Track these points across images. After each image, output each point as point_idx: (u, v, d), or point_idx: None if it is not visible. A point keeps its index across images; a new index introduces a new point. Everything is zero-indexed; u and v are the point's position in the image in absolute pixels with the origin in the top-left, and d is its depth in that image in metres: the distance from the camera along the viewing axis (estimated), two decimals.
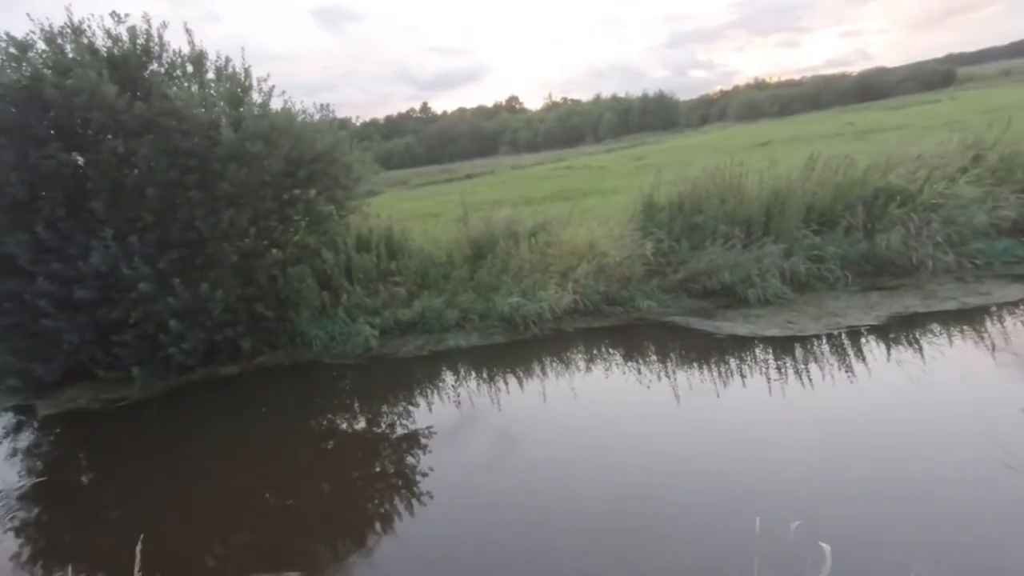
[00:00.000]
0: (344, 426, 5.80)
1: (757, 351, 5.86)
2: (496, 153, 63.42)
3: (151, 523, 4.21)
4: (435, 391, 6.12)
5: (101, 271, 6.10)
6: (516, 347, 6.82)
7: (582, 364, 6.24)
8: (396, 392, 6.24)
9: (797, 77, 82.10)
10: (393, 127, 78.68)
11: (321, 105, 7.81)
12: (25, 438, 6.43)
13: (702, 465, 4.05)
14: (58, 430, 6.46)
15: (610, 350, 6.51)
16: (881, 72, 61.68)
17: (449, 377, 6.41)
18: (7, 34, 6.30)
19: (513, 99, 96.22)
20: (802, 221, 7.48)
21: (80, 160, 6.53)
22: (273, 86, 7.47)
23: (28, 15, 6.38)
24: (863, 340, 5.79)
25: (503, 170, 33.07)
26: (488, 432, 5.13)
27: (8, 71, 6.18)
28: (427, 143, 71.30)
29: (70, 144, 6.34)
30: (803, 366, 5.37)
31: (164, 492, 4.76)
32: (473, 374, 6.40)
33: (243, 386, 6.82)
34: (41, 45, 6.35)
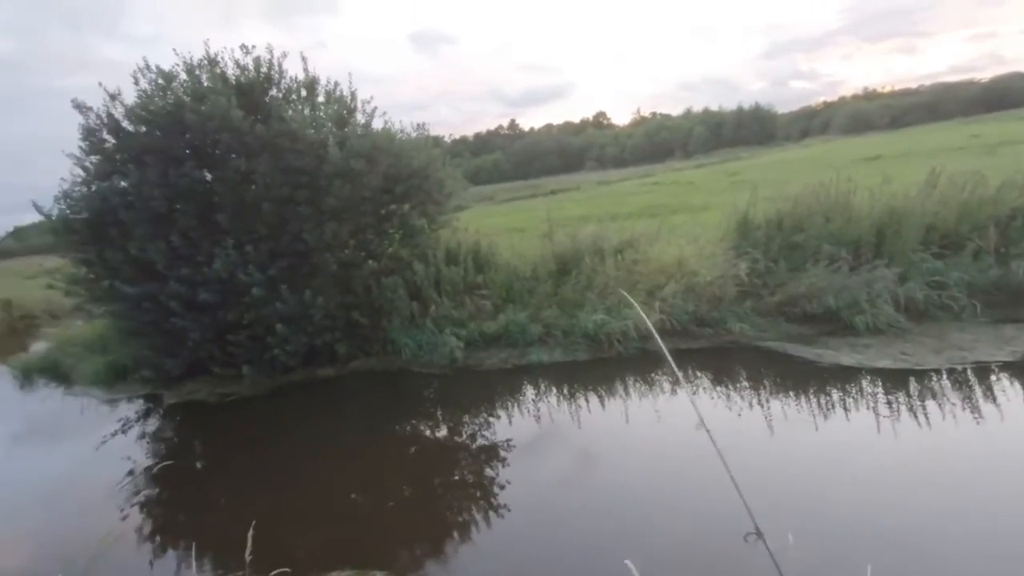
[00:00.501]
0: (427, 433, 6.00)
1: (864, 383, 5.39)
2: (582, 169, 63.40)
3: (256, 509, 4.55)
4: (516, 405, 6.18)
5: (222, 276, 6.76)
6: (599, 365, 6.74)
7: (667, 385, 6.05)
8: (478, 403, 6.36)
9: (913, 85, 75.35)
10: (482, 144, 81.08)
11: (417, 124, 8.23)
12: (152, 423, 7.21)
13: (797, 503, 3.77)
14: (179, 418, 7.18)
15: (698, 372, 6.27)
16: (1016, 77, 55.08)
17: (530, 391, 6.44)
18: (157, 67, 7.22)
19: (600, 115, 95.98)
20: (920, 243, 6.84)
21: (209, 177, 7.29)
22: (375, 107, 8.00)
23: (174, 50, 7.28)
24: (994, 378, 5.16)
25: (589, 186, 32.99)
26: (567, 449, 5.10)
27: (156, 99, 7.07)
28: (514, 159, 72.73)
29: (202, 163, 7.11)
30: (919, 403, 4.88)
31: (266, 481, 5.15)
32: (554, 390, 6.40)
33: (338, 388, 7.24)
34: (183, 76, 7.21)
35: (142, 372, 7.89)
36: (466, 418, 6.11)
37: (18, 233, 46.38)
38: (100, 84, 7.10)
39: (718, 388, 5.83)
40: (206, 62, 7.28)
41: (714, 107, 73.87)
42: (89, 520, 4.87)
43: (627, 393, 6.06)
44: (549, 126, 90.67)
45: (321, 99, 7.94)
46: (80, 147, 7.32)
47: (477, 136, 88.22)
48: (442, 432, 5.98)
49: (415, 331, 7.49)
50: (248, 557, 2.25)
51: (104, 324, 8.71)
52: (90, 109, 7.05)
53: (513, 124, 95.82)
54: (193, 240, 6.95)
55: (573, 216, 13.32)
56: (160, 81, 7.27)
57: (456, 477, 4.91)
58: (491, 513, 4.18)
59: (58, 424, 7.70)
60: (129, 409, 7.66)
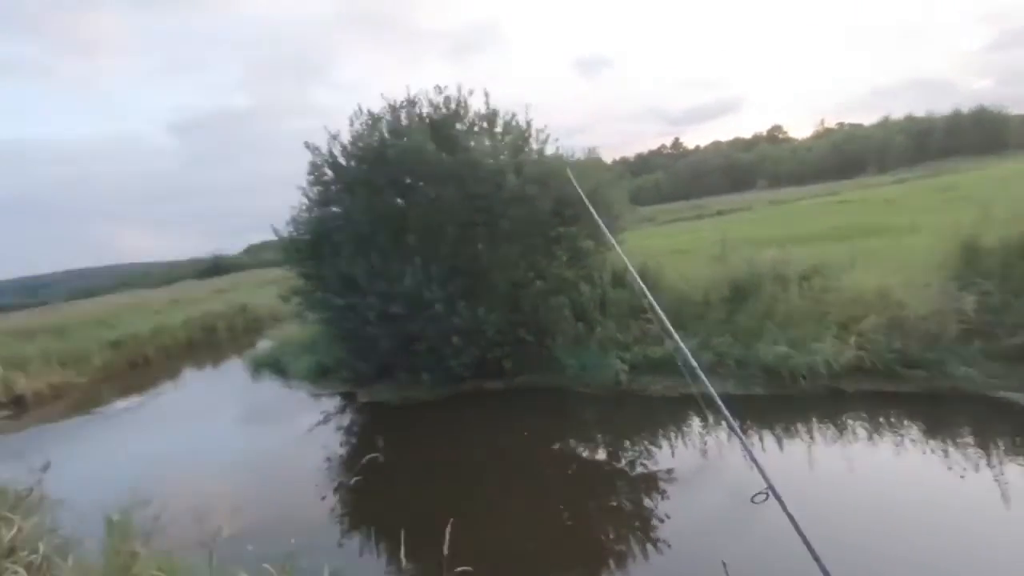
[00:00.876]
0: (586, 454, 6.00)
1: None
2: (753, 187, 58.91)
3: (431, 505, 4.96)
4: (680, 435, 5.92)
5: (410, 292, 7.55)
6: (778, 402, 6.17)
7: (862, 433, 5.32)
8: (640, 429, 6.21)
9: None
10: (643, 164, 79.72)
11: (588, 149, 8.43)
12: (347, 417, 8.25)
13: None
14: (368, 415, 8.13)
15: (904, 422, 5.41)
16: None
17: (696, 423, 6.12)
18: (368, 110, 8.40)
19: (776, 128, 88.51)
20: None
21: (402, 203, 8.24)
22: (548, 135, 8.37)
23: (382, 95, 8.42)
24: None
25: (760, 205, 30.56)
26: (735, 490, 4.71)
27: (365, 138, 8.22)
28: (676, 179, 70.30)
29: (397, 191, 8.06)
30: None
31: (438, 479, 5.58)
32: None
33: (504, 401, 7.61)
34: (388, 116, 8.29)
35: (342, 372, 9.10)
36: (627, 443, 6.00)
37: (250, 249, 56.65)
38: (325, 127, 8.47)
39: (931, 442, 4.97)
40: (406, 103, 8.28)
41: (919, 113, 63.81)
42: (297, 495, 5.73)
43: (811, 436, 5.45)
44: (716, 143, 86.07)
45: (499, 129, 8.55)
46: (307, 180, 8.78)
47: (638, 156, 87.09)
48: (601, 454, 5.95)
49: (579, 351, 7.58)
50: (446, 550, 2.47)
51: (315, 329, 10.22)
52: (317, 148, 8.42)
53: (676, 143, 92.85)
54: (388, 259, 7.87)
55: (743, 237, 12.42)
56: (368, 122, 8.44)
57: (614, 503, 4.84)
58: (649, 547, 4.05)
59: (276, 410, 9.20)
60: (329, 403, 8.87)
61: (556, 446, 6.21)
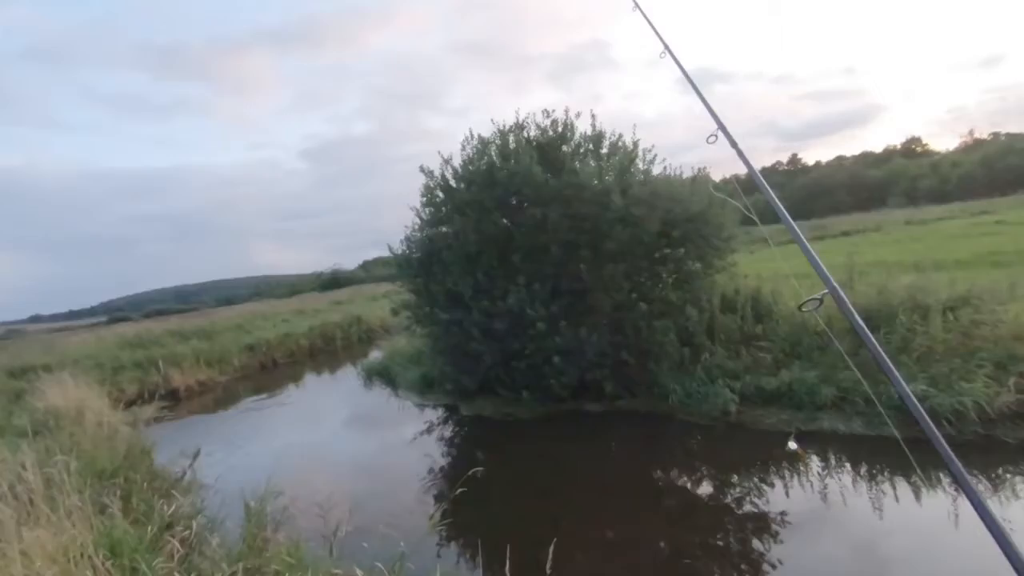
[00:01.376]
0: (688, 485, 5.73)
1: None
2: (883, 206, 53.43)
3: (530, 522, 4.98)
4: (796, 474, 5.46)
5: (513, 310, 7.73)
6: (916, 446, 5.47)
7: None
8: (750, 464, 5.81)
9: None
10: (755, 181, 75.33)
11: (698, 169, 8.18)
12: (449, 429, 8.55)
13: None
14: (469, 428, 8.36)
15: None
16: None
17: (815, 462, 5.62)
18: (478, 135, 8.80)
19: (912, 140, 79.74)
20: None
21: (507, 223, 8.49)
22: (655, 155, 8.25)
23: (492, 120, 8.79)
24: None
25: (893, 226, 27.60)
26: (864, 545, 4.26)
27: (475, 161, 8.60)
28: (793, 197, 65.55)
29: (504, 212, 8.32)
30: None
31: (536, 496, 5.58)
32: (848, 466, 5.46)
33: (603, 424, 7.49)
34: (497, 140, 8.62)
35: (445, 385, 9.47)
36: (734, 478, 5.65)
37: (366, 265, 60.83)
38: (438, 152, 8.99)
39: None
40: (514, 127, 8.57)
41: None
42: (403, 500, 6.00)
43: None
44: (840, 158, 79.19)
45: (605, 150, 8.56)
46: (420, 201, 9.34)
47: (750, 174, 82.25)
48: (706, 487, 5.65)
49: (684, 377, 7.29)
50: (548, 572, 2.49)
51: (422, 342, 10.75)
52: (431, 172, 8.95)
53: (795, 159, 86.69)
54: (493, 277, 8.13)
55: (872, 262, 11.31)
56: (478, 146, 8.84)
57: (719, 542, 4.56)
58: None
59: (385, 417, 9.75)
60: (433, 415, 9.25)
61: (657, 474, 6.00)
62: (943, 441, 1.38)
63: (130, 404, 10.34)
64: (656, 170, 8.34)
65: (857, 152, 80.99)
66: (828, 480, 5.25)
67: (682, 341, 7.51)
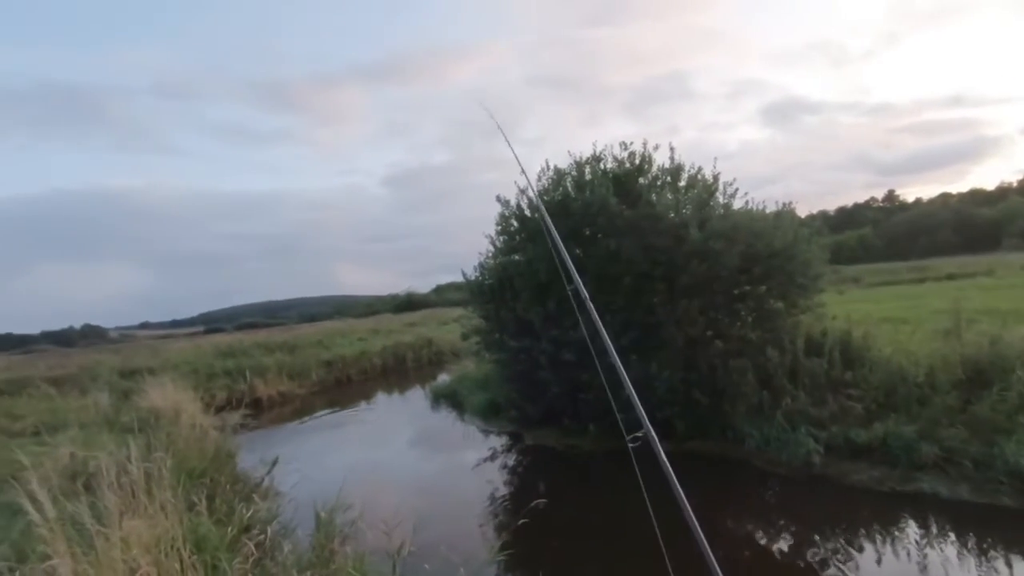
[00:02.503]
0: (763, 539, 5.34)
1: None
2: (996, 248, 48.55)
3: (591, 560, 4.82)
4: (890, 541, 4.95)
5: (582, 340, 7.63)
6: None
7: None
8: (834, 524, 5.34)
9: None
10: (846, 218, 71.00)
11: (783, 204, 7.85)
12: (512, 457, 8.50)
13: None
14: (531, 457, 8.28)
15: None
16: None
17: (913, 530, 5.08)
18: (554, 166, 8.94)
19: None
20: None
21: (580, 253, 8.47)
22: (736, 188, 8.00)
23: (568, 152, 8.91)
24: None
25: (1008, 270, 24.95)
26: None
27: (551, 191, 8.71)
28: (888, 235, 61.07)
29: (576, 242, 8.33)
30: None
31: (596, 536, 5.39)
32: (953, 536, 4.89)
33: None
34: (573, 172, 8.71)
35: (511, 412, 9.46)
36: (816, 536, 5.21)
37: (438, 289, 62.54)
38: (515, 182, 9.20)
39: None
40: (591, 159, 8.63)
41: None
42: (465, 524, 6.01)
43: None
44: (944, 195, 73.18)
45: (682, 183, 8.42)
46: (495, 229, 9.55)
47: (839, 210, 77.82)
48: (784, 543, 5.25)
49: (762, 422, 6.88)
50: None
51: (489, 367, 10.85)
52: (507, 201, 9.16)
53: (891, 195, 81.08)
54: (563, 307, 8.09)
55: (985, 308, 10.25)
56: (553, 176, 8.95)
57: None
58: None
59: (450, 440, 9.85)
60: (497, 441, 9.24)
61: (728, 524, 5.65)
62: None
63: (220, 409, 11.10)
64: (737, 204, 8.10)
65: (965, 189, 74.54)
66: (928, 550, 4.72)
67: (761, 383, 7.10)
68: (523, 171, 4.43)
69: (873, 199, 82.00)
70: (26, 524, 3.57)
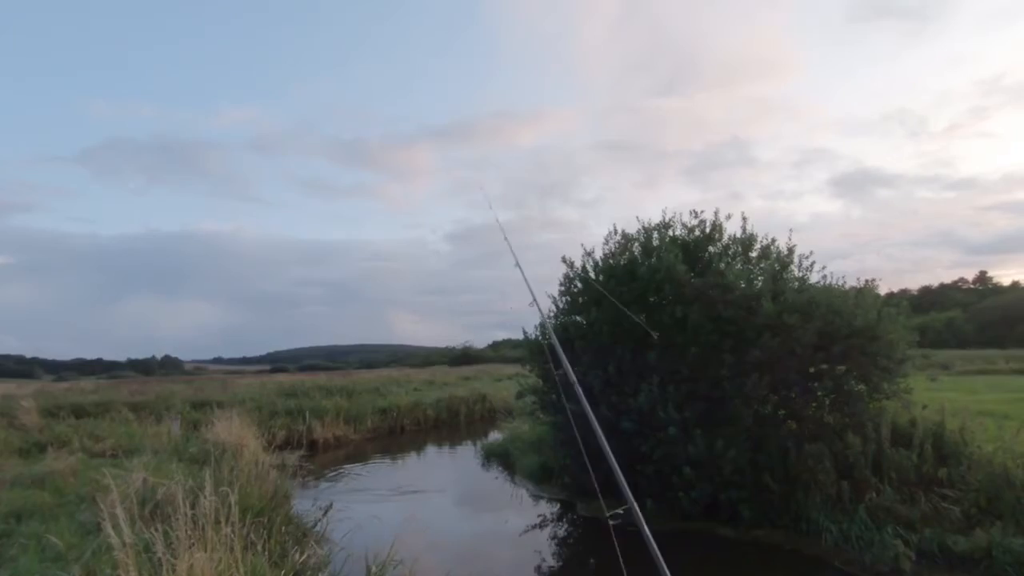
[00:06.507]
0: None
1: None
2: None
3: None
4: None
5: (643, 409, 7.38)
6: None
7: None
8: None
9: None
10: (931, 299, 66.31)
11: (865, 280, 7.48)
12: (563, 528, 8.12)
13: None
14: (583, 531, 7.88)
15: None
16: None
17: None
18: (622, 231, 8.98)
19: None
20: None
21: (643, 318, 8.32)
22: (813, 262, 7.72)
23: (637, 218, 8.94)
24: None
25: None
26: None
27: (617, 255, 8.72)
28: (980, 319, 56.29)
29: (642, 307, 8.20)
30: None
31: None
32: None
33: (737, 553, 6.61)
34: (640, 237, 8.71)
35: (564, 478, 9.13)
36: None
37: (494, 345, 62.85)
38: (581, 245, 9.28)
39: None
40: (660, 224, 8.62)
41: None
42: None
43: None
44: None
45: (754, 254, 8.21)
46: (558, 289, 9.58)
47: (923, 289, 72.88)
48: None
49: (841, 515, 6.28)
50: None
51: (544, 430, 10.60)
52: (572, 262, 9.22)
53: (982, 277, 75.40)
54: (624, 372, 7.91)
55: None
56: (620, 241, 8.97)
57: None
58: None
59: (499, 502, 9.56)
60: (548, 509, 8.88)
61: None
62: None
63: (279, 448, 11.38)
64: (814, 277, 7.78)
65: None
66: None
67: (839, 473, 6.54)
68: (534, 299, 4.53)
69: (963, 279, 76.52)
70: (98, 545, 3.73)
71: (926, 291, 71.65)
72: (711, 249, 8.34)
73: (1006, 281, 70.82)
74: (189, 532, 2.95)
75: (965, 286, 74.05)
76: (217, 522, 3.19)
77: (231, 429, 9.75)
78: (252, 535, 3.92)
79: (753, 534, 6.91)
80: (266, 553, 3.92)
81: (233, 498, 3.66)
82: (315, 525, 5.67)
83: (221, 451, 7.92)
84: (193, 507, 3.42)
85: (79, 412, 14.34)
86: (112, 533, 2.67)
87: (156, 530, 2.86)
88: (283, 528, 4.80)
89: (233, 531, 3.45)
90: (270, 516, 4.89)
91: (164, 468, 6.87)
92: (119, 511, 2.73)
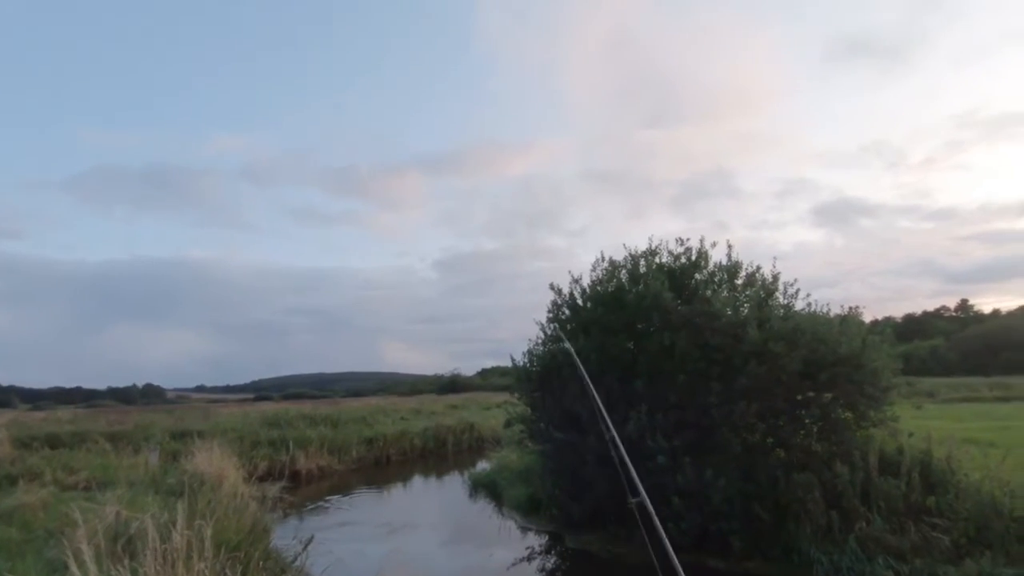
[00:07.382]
0: None
1: None
2: None
3: None
4: None
5: (632, 438, 7.30)
6: None
7: None
8: None
9: None
10: (913, 327, 67.16)
11: (849, 308, 7.57)
12: (551, 561, 7.93)
13: None
14: (571, 564, 7.70)
15: None
16: None
17: None
18: (609, 258, 9.04)
19: None
20: None
21: (632, 347, 8.32)
22: (798, 289, 7.80)
23: (624, 245, 9.02)
24: None
25: None
26: None
27: (604, 283, 8.75)
28: (963, 348, 56.98)
29: (630, 335, 8.21)
30: None
31: None
32: None
33: None
34: (628, 265, 8.77)
35: (552, 510, 8.95)
36: None
37: (483, 372, 62.38)
38: (569, 272, 9.32)
39: None
40: (647, 252, 8.70)
41: None
42: None
43: None
44: None
45: (739, 281, 8.29)
46: (546, 316, 9.57)
47: (907, 317, 73.80)
48: None
49: (832, 546, 6.20)
50: None
51: (532, 459, 10.45)
52: (560, 290, 9.25)
53: (964, 305, 76.63)
54: (613, 401, 7.84)
55: None
56: (608, 268, 9.03)
57: None
58: None
59: (486, 535, 9.32)
60: (536, 541, 8.68)
61: None
62: None
63: (260, 479, 11.08)
64: (799, 305, 7.85)
65: None
66: None
67: (828, 502, 6.48)
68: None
69: (944, 307, 77.70)
70: None
71: (910, 319, 72.60)
72: (697, 276, 8.41)
73: (986, 309, 72.02)
74: (159, 568, 2.83)
75: (947, 314, 75.19)
76: (189, 557, 3.07)
77: (211, 460, 9.49)
78: (227, 571, 3.78)
79: (744, 566, 6.79)
80: None
81: (208, 532, 3.54)
82: (295, 560, 5.48)
83: (199, 482, 7.68)
84: (165, 542, 3.30)
85: (54, 443, 13.91)
86: (76, 572, 2.56)
87: (124, 566, 2.74)
88: (260, 563, 4.63)
89: (206, 566, 3.33)
90: (247, 551, 4.72)
91: (139, 501, 6.64)
92: (84, 548, 2.61)
